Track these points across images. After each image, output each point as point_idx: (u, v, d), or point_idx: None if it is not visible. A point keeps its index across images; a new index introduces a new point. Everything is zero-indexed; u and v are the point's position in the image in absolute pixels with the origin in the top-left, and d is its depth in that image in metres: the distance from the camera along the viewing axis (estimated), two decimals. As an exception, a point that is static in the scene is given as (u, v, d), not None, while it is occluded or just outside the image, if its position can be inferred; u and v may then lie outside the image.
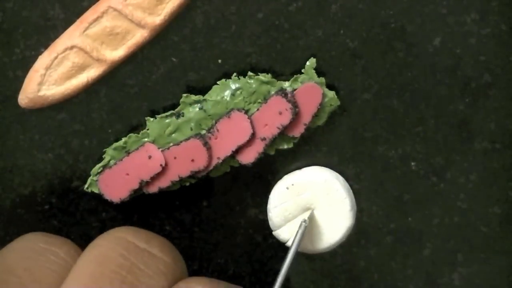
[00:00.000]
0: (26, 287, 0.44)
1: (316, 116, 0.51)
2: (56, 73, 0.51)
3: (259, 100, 0.51)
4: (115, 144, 0.52)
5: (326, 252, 0.53)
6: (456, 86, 0.52)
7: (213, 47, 0.52)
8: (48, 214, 0.53)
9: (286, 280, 0.53)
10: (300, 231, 0.50)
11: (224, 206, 0.54)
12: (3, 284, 0.44)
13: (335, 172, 0.52)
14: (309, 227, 0.51)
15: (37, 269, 0.45)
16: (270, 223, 0.53)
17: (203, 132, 0.51)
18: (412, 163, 0.53)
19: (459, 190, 0.53)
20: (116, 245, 0.45)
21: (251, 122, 0.51)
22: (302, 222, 0.50)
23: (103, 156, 0.52)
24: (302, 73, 0.51)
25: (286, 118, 0.51)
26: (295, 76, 0.51)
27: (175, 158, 0.51)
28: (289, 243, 0.52)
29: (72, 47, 0.50)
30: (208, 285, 0.45)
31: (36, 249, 0.46)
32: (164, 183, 0.52)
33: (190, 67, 0.52)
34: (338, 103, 0.52)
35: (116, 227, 0.53)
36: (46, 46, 0.51)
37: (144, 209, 0.53)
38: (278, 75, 0.52)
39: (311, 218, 0.52)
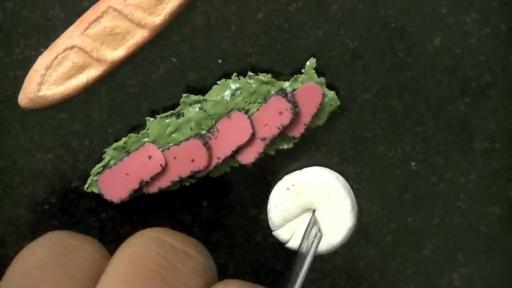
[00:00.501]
0: (60, 284, 0.42)
1: (316, 116, 0.51)
2: (56, 73, 0.51)
3: (259, 100, 0.51)
4: (115, 144, 0.52)
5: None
6: (456, 86, 0.52)
7: (213, 47, 0.52)
8: (48, 214, 0.53)
9: (286, 280, 0.53)
10: (315, 242, 0.49)
11: (224, 206, 0.54)
12: (38, 281, 0.42)
13: (335, 173, 0.52)
14: (310, 229, 0.52)
15: (71, 266, 0.44)
16: (270, 223, 0.53)
17: (203, 132, 0.51)
18: (412, 163, 0.53)
19: (459, 190, 0.53)
20: (152, 244, 0.44)
21: (251, 122, 0.51)
22: (317, 232, 0.49)
23: (103, 156, 0.52)
24: (302, 73, 0.51)
25: (286, 118, 0.50)
26: (295, 76, 0.51)
27: (175, 158, 0.51)
28: (293, 245, 0.52)
29: (72, 47, 0.50)
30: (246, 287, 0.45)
31: (67, 246, 0.45)
32: (164, 183, 0.52)
33: (190, 67, 0.52)
34: (338, 103, 0.52)
35: (117, 227, 0.53)
36: (46, 46, 0.51)
37: (144, 209, 0.53)
38: (278, 75, 0.52)
39: (312, 220, 0.52)
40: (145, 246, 0.44)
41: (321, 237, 0.50)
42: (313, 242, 0.49)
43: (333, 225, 0.52)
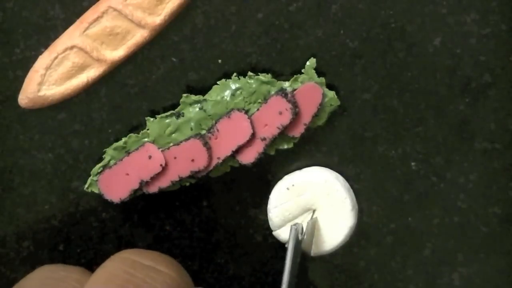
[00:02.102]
0: None
1: (316, 116, 0.51)
2: (56, 73, 0.51)
3: (259, 100, 0.51)
4: (115, 144, 0.52)
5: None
6: (456, 86, 0.52)
7: (213, 47, 0.52)
8: (48, 214, 0.53)
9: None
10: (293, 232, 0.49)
11: (224, 206, 0.54)
12: None
13: (335, 172, 0.52)
14: (311, 230, 0.51)
15: None
16: (270, 223, 0.53)
17: (203, 132, 0.51)
18: (412, 163, 0.53)
19: (459, 190, 0.53)
20: (121, 264, 0.47)
21: (251, 122, 0.51)
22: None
23: (103, 156, 0.52)
24: (302, 73, 0.51)
25: (286, 118, 0.51)
26: (295, 76, 0.51)
27: (175, 158, 0.51)
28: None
29: (72, 47, 0.50)
30: None
31: (56, 277, 0.48)
32: (164, 183, 0.52)
33: (190, 67, 0.52)
34: (338, 103, 0.52)
35: (117, 227, 0.53)
36: (46, 46, 0.51)
37: (144, 209, 0.53)
38: (278, 75, 0.52)
39: (313, 220, 0.52)
40: (114, 266, 0.47)
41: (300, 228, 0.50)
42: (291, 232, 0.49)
43: (333, 225, 0.52)
